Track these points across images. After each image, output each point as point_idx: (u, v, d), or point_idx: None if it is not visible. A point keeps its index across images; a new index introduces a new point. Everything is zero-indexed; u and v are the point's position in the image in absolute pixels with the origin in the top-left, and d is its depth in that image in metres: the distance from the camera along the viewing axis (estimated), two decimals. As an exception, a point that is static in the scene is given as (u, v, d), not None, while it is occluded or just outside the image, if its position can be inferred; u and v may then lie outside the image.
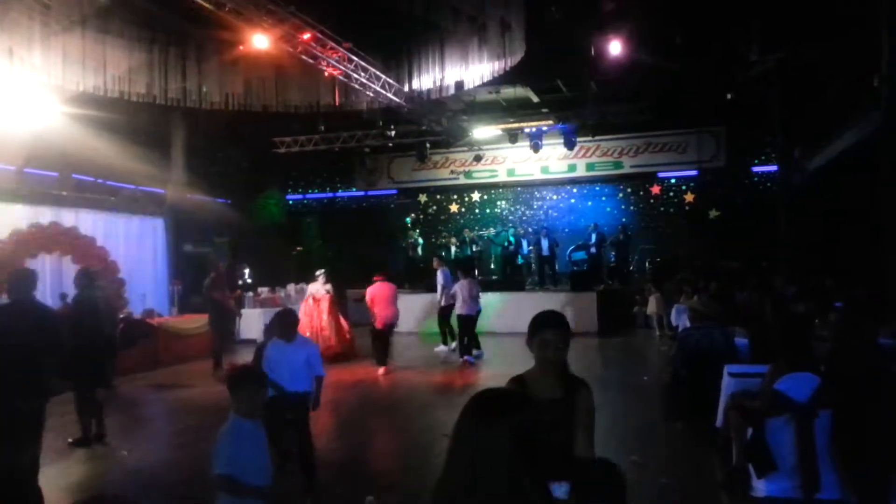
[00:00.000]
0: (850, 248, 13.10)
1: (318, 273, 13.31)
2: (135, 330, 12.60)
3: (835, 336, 4.40)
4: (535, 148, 19.16)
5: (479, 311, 12.42)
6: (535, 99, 18.40)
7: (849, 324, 4.24)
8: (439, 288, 13.09)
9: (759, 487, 3.77)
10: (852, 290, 9.25)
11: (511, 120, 18.99)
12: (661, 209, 20.35)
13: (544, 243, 18.10)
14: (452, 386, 10.38)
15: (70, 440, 7.38)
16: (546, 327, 2.81)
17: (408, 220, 20.91)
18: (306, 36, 11.57)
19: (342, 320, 13.28)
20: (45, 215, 12.97)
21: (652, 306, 14.90)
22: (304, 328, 12.24)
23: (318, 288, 13.00)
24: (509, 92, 17.63)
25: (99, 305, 8.23)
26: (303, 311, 12.67)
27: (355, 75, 13.20)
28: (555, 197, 21.52)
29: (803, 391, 3.71)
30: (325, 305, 12.90)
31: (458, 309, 12.21)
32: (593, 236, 18.00)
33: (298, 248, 22.24)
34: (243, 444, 3.25)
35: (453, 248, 18.94)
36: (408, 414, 8.79)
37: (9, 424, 4.90)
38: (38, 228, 12.69)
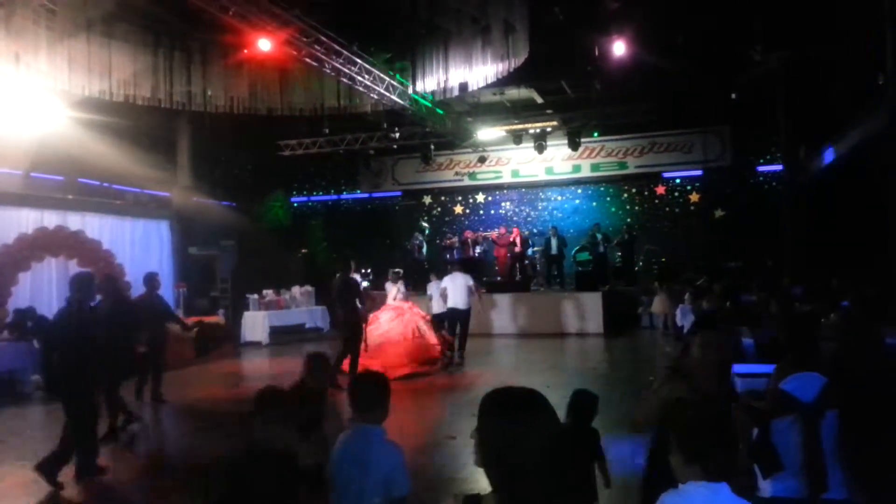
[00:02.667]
0: (856, 247, 13.05)
1: (394, 271, 12.84)
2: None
3: (841, 335, 4.39)
4: (540, 149, 19.17)
5: (451, 310, 12.21)
6: (540, 100, 18.40)
7: (855, 323, 4.23)
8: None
9: (765, 488, 3.75)
10: (859, 289, 9.22)
11: (515, 121, 19.00)
12: (667, 209, 20.32)
13: (553, 242, 18.10)
14: (456, 388, 10.36)
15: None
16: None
17: (424, 224, 20.81)
18: (310, 39, 11.61)
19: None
20: (50, 219, 13.02)
21: (657, 305, 14.89)
22: (398, 345, 11.20)
23: (395, 291, 12.07)
24: (513, 93, 17.63)
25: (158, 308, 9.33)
26: (388, 325, 11.49)
27: (359, 78, 13.22)
28: (559, 198, 21.51)
29: (810, 391, 3.69)
30: (415, 311, 11.79)
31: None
32: (598, 236, 18.00)
33: (304, 251, 22.27)
34: (399, 460, 3.16)
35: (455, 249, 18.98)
36: (413, 416, 8.78)
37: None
38: (44, 232, 12.74)
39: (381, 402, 3.22)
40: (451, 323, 12.27)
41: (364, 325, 10.78)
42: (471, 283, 12.33)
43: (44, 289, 12.65)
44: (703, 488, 2.18)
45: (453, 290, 12.11)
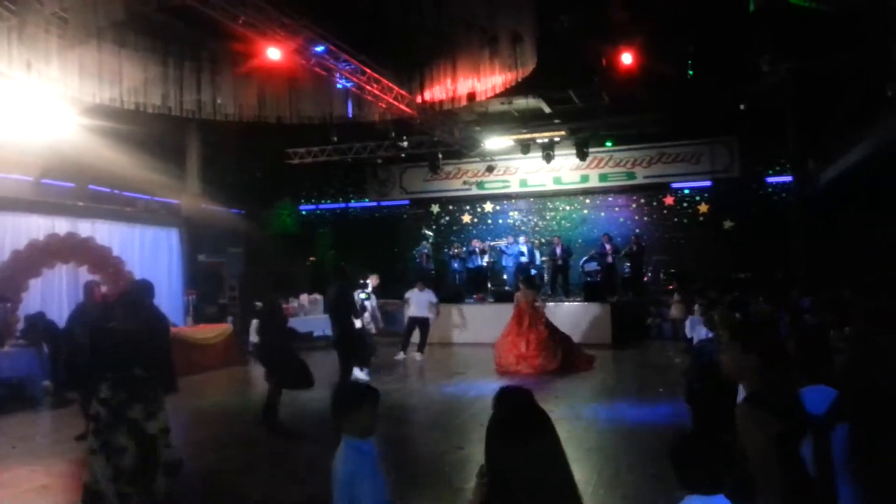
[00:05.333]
0: (866, 259, 12.98)
1: (525, 278, 13.73)
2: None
3: (851, 348, 4.35)
4: (548, 158, 19.16)
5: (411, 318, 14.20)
6: (548, 109, 18.40)
7: (865, 336, 4.19)
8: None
9: (776, 501, 3.71)
10: (870, 301, 9.15)
11: (523, 130, 19.01)
12: (675, 220, 20.26)
13: (557, 251, 18.07)
14: (465, 397, 10.34)
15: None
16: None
17: (428, 232, 20.86)
18: (320, 48, 11.66)
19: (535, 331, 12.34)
20: (61, 226, 13.08)
21: (674, 311, 14.91)
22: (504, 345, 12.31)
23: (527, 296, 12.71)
24: (521, 103, 17.65)
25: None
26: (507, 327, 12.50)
27: (368, 87, 13.27)
28: (567, 208, 21.48)
29: (820, 404, 3.66)
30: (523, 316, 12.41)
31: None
32: (606, 246, 17.93)
33: (312, 258, 22.32)
34: (364, 467, 3.11)
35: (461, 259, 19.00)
36: (420, 424, 8.77)
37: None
38: (55, 238, 12.80)
39: (353, 413, 3.18)
40: (410, 328, 14.12)
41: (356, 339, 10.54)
42: (434, 299, 14.21)
43: (54, 295, 12.69)
44: (700, 502, 2.20)
45: (417, 302, 14.03)
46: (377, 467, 3.19)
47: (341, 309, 9.92)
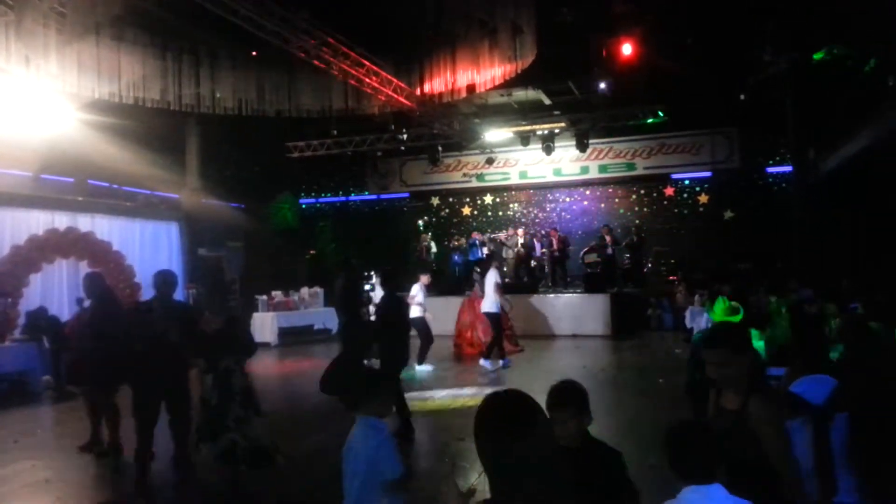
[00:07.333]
0: (866, 249, 12.97)
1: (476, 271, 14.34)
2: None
3: (851, 338, 4.37)
4: (548, 150, 19.14)
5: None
6: (547, 101, 18.37)
7: (865, 325, 4.20)
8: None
9: (775, 491, 3.73)
10: (869, 291, 9.16)
11: (523, 122, 18.97)
12: (675, 211, 20.25)
13: (554, 242, 18.05)
14: (466, 388, 10.35)
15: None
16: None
17: (420, 222, 20.91)
18: (319, 41, 11.64)
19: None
20: (61, 220, 13.10)
21: (679, 300, 14.95)
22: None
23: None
24: (521, 94, 17.61)
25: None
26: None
27: (367, 80, 13.24)
28: (567, 199, 21.47)
29: (819, 394, 3.67)
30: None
31: None
32: (606, 237, 17.92)
33: (312, 252, 22.32)
34: (385, 442, 3.46)
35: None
36: (421, 415, 8.77)
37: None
38: (55, 233, 12.82)
39: (376, 395, 3.59)
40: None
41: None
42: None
43: (54, 290, 12.72)
44: (695, 493, 2.21)
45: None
46: (392, 442, 3.50)
47: (347, 303, 9.90)
